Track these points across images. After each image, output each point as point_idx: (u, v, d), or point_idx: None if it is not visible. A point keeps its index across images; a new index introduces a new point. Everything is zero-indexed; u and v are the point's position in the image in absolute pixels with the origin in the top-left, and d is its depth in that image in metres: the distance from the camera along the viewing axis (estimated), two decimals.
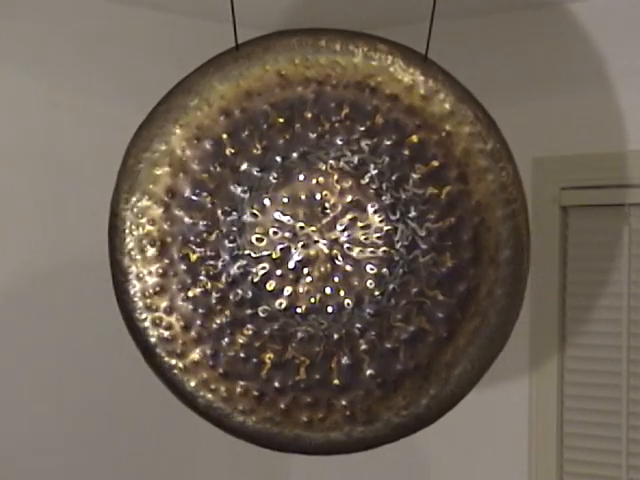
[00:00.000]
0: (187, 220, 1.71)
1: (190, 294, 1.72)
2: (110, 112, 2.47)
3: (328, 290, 1.71)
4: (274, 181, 1.71)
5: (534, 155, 2.49)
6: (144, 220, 1.71)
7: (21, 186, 2.37)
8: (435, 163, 1.69)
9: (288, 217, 1.71)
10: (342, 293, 1.71)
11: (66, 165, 2.43)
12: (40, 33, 2.39)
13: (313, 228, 1.71)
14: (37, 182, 2.39)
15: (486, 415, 2.56)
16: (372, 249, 1.71)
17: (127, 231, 1.71)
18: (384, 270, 1.70)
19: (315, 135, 1.70)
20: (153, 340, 1.71)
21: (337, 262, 1.71)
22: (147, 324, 1.71)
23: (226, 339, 1.71)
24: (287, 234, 1.71)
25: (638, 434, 2.42)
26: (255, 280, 1.71)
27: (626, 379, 2.42)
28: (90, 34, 2.47)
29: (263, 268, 1.71)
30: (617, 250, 2.45)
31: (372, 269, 1.71)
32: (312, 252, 1.71)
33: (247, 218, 1.71)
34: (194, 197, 1.71)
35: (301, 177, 1.71)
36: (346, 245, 1.71)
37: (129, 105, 2.23)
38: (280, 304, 1.71)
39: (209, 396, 1.72)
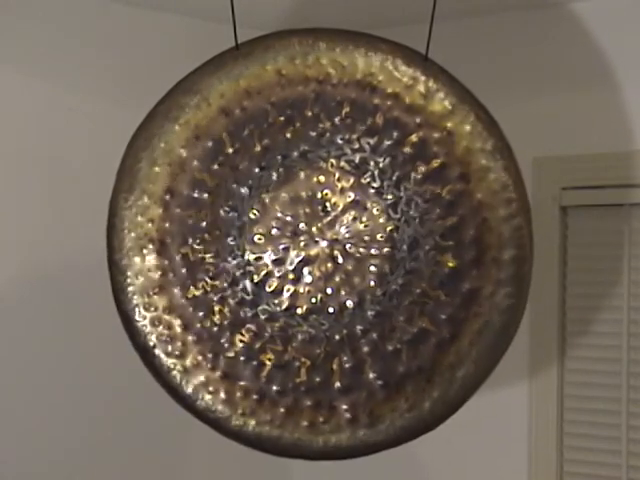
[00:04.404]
0: (187, 219, 1.70)
1: (190, 294, 1.71)
2: (110, 112, 2.46)
3: (329, 290, 1.70)
4: (275, 180, 1.71)
5: (534, 155, 2.48)
6: (143, 219, 1.71)
7: (21, 186, 2.37)
8: (436, 162, 1.69)
9: (289, 216, 1.71)
10: (343, 293, 1.70)
11: (66, 165, 2.43)
12: (39, 33, 2.38)
13: (314, 227, 1.71)
14: (37, 182, 2.38)
15: (486, 415, 2.55)
16: (374, 248, 1.70)
17: (126, 230, 1.71)
18: (386, 270, 1.70)
19: (316, 134, 1.70)
20: (152, 341, 1.71)
21: (338, 261, 1.71)
22: (146, 324, 1.71)
23: (226, 340, 1.71)
24: (288, 233, 1.71)
25: (638, 434, 2.42)
26: (255, 280, 1.71)
27: (626, 379, 2.42)
28: (90, 34, 2.46)
29: (263, 268, 1.71)
30: (617, 250, 2.45)
31: (374, 268, 1.70)
32: (313, 251, 1.71)
33: (247, 217, 1.71)
34: (194, 196, 1.70)
35: (302, 176, 1.71)
36: (347, 244, 1.71)
37: (129, 105, 2.22)
38: (281, 304, 1.71)
39: (208, 398, 1.71)
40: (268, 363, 1.71)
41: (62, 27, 2.42)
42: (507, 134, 1.71)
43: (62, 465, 2.42)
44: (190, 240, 1.71)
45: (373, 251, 1.70)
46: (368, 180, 1.70)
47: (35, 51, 2.38)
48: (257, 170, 1.71)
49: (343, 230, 1.71)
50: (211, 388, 1.71)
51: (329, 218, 1.71)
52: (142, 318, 1.71)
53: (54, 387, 2.40)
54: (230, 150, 1.70)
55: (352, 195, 1.70)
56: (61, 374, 2.40)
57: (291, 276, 1.71)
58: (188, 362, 1.71)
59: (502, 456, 2.59)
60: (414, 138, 1.69)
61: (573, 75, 2.49)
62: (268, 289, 1.71)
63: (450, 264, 1.69)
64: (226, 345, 1.71)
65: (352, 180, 1.70)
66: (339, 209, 1.70)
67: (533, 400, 2.53)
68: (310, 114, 1.69)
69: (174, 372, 1.70)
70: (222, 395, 1.71)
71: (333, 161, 1.70)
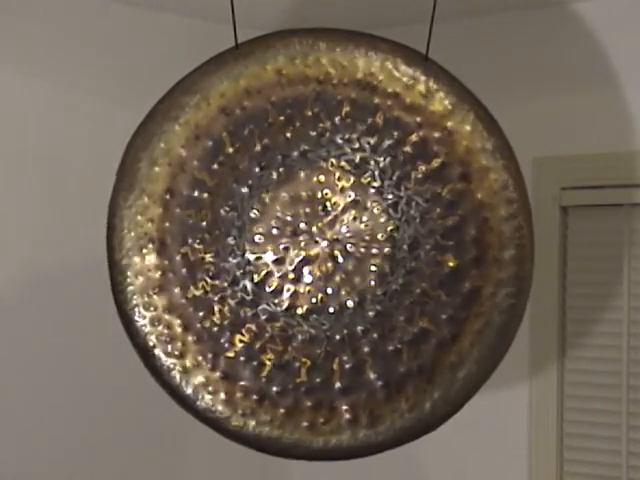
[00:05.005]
0: (187, 219, 1.70)
1: (189, 294, 1.71)
2: (110, 112, 2.46)
3: (330, 290, 1.70)
4: (275, 179, 1.71)
5: (534, 155, 2.48)
6: (143, 219, 1.70)
7: (21, 186, 2.36)
8: (437, 161, 1.69)
9: (289, 216, 1.71)
10: (344, 292, 1.70)
11: (66, 165, 2.42)
12: (39, 33, 2.38)
13: (314, 227, 1.71)
14: (37, 182, 2.38)
15: (485, 415, 2.55)
16: (374, 248, 1.70)
17: (125, 230, 1.70)
18: (386, 269, 1.70)
19: (316, 133, 1.69)
20: (151, 341, 1.70)
21: (339, 261, 1.70)
22: (145, 324, 1.70)
23: (226, 340, 1.70)
24: (288, 233, 1.71)
25: (638, 434, 2.42)
26: (255, 280, 1.71)
27: (626, 379, 2.42)
28: (90, 34, 2.46)
29: (264, 267, 1.71)
30: (617, 250, 2.45)
31: (374, 268, 1.70)
32: (313, 251, 1.71)
33: (247, 217, 1.71)
34: (194, 196, 1.70)
35: (302, 175, 1.70)
36: (348, 244, 1.70)
37: (129, 105, 2.22)
38: (281, 304, 1.70)
39: (208, 398, 1.70)
40: (268, 363, 1.70)
41: (62, 27, 2.42)
42: (507, 134, 1.71)
43: (62, 465, 2.42)
44: (190, 240, 1.70)
45: (373, 251, 1.70)
46: (368, 180, 1.70)
47: (35, 51, 2.37)
48: (257, 170, 1.70)
49: (343, 230, 1.70)
50: (211, 388, 1.70)
51: (329, 218, 1.70)
52: (142, 318, 1.70)
53: (54, 387, 2.40)
54: (230, 150, 1.70)
55: (352, 195, 1.70)
56: (61, 374, 2.40)
57: (291, 276, 1.70)
58: (188, 362, 1.70)
59: (502, 456, 2.59)
60: (414, 137, 1.69)
61: (573, 75, 2.49)
62: (268, 289, 1.70)
63: (451, 264, 1.69)
64: (226, 345, 1.70)
65: (352, 180, 1.70)
66: (339, 209, 1.70)
67: (533, 400, 2.53)
68: (310, 114, 1.69)
69: (174, 372, 1.70)
70: (222, 395, 1.70)
71: (333, 161, 1.70)
